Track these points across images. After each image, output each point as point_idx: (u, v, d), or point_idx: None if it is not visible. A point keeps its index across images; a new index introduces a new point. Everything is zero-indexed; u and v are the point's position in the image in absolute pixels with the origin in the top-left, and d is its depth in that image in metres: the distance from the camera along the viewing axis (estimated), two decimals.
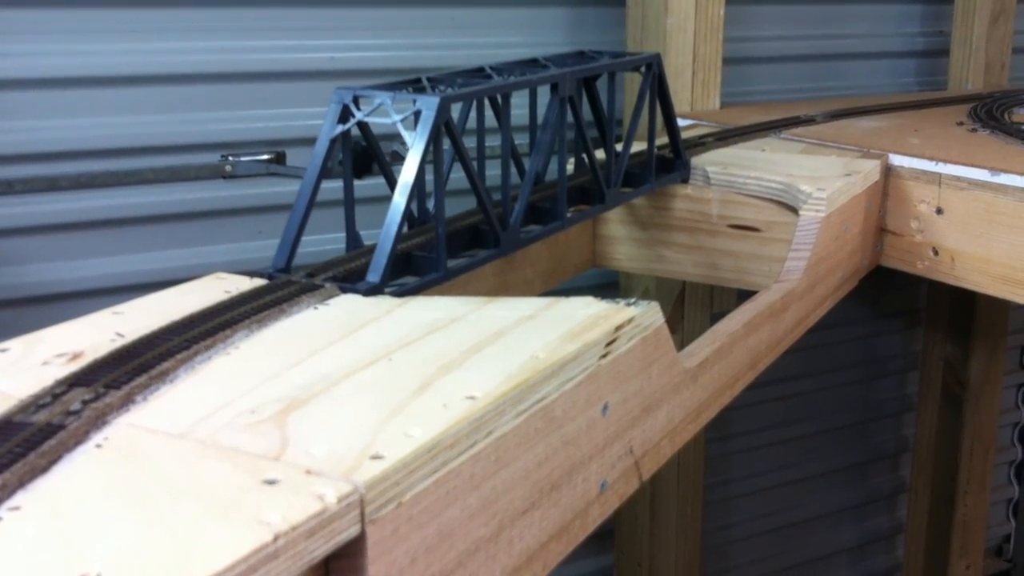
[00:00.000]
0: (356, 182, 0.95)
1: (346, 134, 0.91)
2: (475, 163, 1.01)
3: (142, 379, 0.61)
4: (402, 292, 0.85)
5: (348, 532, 0.49)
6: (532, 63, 1.13)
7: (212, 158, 1.48)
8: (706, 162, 1.34)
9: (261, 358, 0.66)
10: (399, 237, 0.85)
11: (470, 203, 1.01)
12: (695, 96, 1.69)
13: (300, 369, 0.64)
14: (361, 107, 0.91)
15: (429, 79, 0.99)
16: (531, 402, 0.63)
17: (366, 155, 0.97)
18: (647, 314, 0.76)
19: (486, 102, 1.06)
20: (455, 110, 0.91)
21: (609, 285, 1.79)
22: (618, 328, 0.72)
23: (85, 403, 0.57)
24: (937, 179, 1.33)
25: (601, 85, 1.15)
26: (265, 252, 1.23)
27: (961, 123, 1.64)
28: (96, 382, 0.60)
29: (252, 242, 1.53)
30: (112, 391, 0.59)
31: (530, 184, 1.04)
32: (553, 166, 1.15)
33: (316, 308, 0.77)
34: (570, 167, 1.23)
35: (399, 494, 0.52)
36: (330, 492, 0.49)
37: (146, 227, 1.46)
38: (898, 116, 1.72)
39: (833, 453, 2.33)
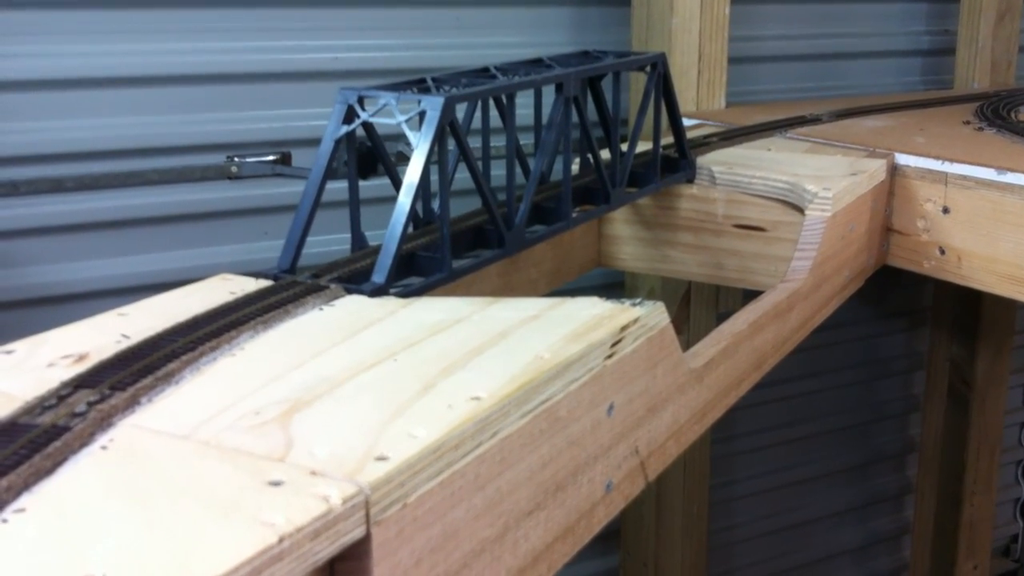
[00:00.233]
0: (361, 183, 0.95)
1: (351, 135, 0.91)
2: (480, 163, 1.01)
3: (147, 381, 0.61)
4: (407, 293, 0.85)
5: (353, 533, 0.49)
6: (537, 63, 1.13)
7: (217, 159, 1.48)
8: (711, 162, 1.33)
9: (266, 359, 0.66)
10: (404, 238, 0.85)
11: (475, 203, 1.01)
12: (700, 95, 1.69)
13: (305, 370, 0.64)
14: (366, 107, 0.90)
15: (434, 79, 0.98)
16: (536, 403, 0.63)
17: (371, 155, 0.97)
18: (652, 314, 0.76)
19: (491, 102, 1.06)
20: (460, 110, 0.91)
21: (614, 285, 1.79)
22: (623, 328, 0.72)
23: (90, 405, 0.57)
24: (943, 178, 1.33)
25: (606, 85, 1.15)
26: (270, 253, 1.23)
27: (967, 122, 1.63)
28: (101, 384, 0.60)
29: (257, 243, 1.52)
30: (117, 393, 0.59)
31: (535, 184, 1.03)
32: (558, 166, 1.15)
33: (321, 309, 0.76)
34: (575, 167, 1.23)
35: (404, 495, 0.52)
36: (335, 493, 0.49)
37: (151, 228, 1.46)
38: (904, 115, 1.71)
39: (838, 454, 2.32)
